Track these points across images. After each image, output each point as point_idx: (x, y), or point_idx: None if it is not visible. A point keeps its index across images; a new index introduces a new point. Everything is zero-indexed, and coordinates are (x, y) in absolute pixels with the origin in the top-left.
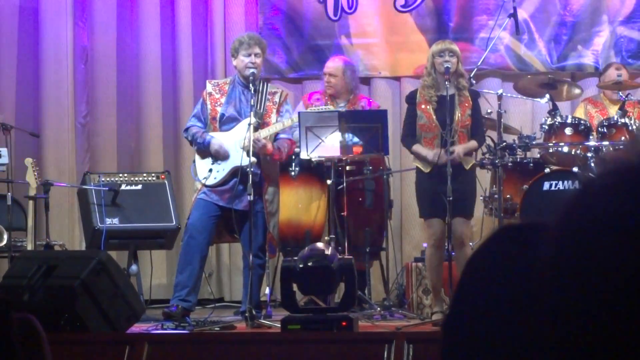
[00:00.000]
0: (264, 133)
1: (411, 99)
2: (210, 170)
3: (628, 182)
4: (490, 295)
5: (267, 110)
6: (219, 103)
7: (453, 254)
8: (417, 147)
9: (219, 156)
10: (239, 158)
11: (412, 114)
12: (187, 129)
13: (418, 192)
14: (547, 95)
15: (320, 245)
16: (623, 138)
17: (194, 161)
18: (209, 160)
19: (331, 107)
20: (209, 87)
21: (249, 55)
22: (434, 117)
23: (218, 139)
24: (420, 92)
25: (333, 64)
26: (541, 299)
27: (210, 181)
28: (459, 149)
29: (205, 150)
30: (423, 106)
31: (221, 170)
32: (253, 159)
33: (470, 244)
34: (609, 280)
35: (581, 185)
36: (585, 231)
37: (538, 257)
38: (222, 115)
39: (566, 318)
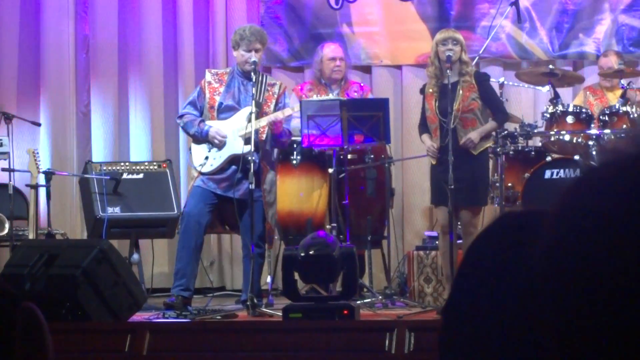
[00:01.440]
0: (263, 122)
1: (422, 91)
2: (207, 158)
3: (628, 172)
4: (490, 283)
5: (266, 100)
6: (217, 92)
7: (459, 241)
8: (424, 137)
9: (220, 144)
10: (236, 146)
11: (423, 106)
12: (181, 116)
13: (430, 179)
14: (549, 84)
15: (321, 233)
16: (624, 126)
17: (190, 148)
18: (205, 147)
19: (331, 96)
20: (209, 76)
21: (249, 51)
22: (435, 108)
23: (215, 127)
24: (428, 84)
25: (339, 49)
26: (539, 288)
27: (206, 168)
28: (473, 134)
29: (203, 139)
30: (428, 99)
31: (218, 158)
32: (251, 147)
33: None
34: (606, 269)
35: (580, 173)
36: (583, 220)
37: (536, 246)
38: (221, 104)
39: (563, 307)
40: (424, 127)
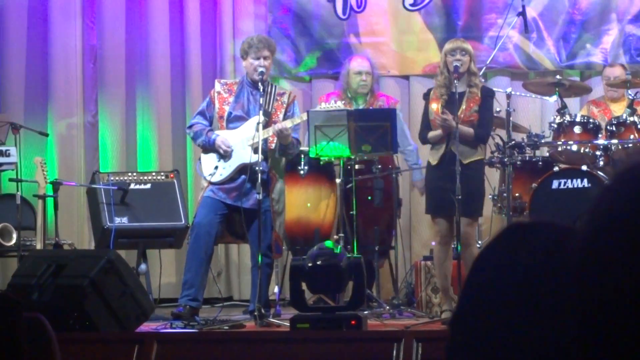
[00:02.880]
0: (271, 131)
1: (426, 96)
2: (216, 167)
3: None
4: (497, 294)
5: (275, 110)
6: (227, 102)
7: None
8: (430, 133)
9: (225, 153)
10: (246, 155)
11: (426, 111)
12: (190, 126)
13: (426, 188)
14: (556, 94)
15: (329, 244)
16: (632, 136)
17: (200, 158)
18: (214, 157)
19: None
20: (218, 86)
21: (258, 58)
22: (439, 113)
23: (223, 136)
24: (434, 90)
25: (365, 63)
26: (567, 306)
27: (216, 178)
28: (453, 121)
29: (210, 148)
30: (433, 104)
31: (227, 167)
32: (260, 157)
33: (479, 242)
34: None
35: (602, 189)
36: (611, 234)
37: (565, 263)
38: (230, 113)
39: (594, 318)
40: (425, 132)
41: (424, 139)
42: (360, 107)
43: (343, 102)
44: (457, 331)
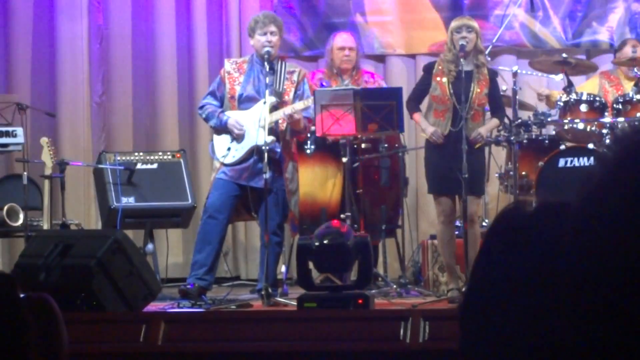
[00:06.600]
0: (280, 114)
1: (428, 69)
2: (229, 149)
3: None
4: (505, 273)
5: (285, 89)
6: (237, 82)
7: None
8: (418, 117)
9: (239, 135)
10: (257, 137)
11: (425, 83)
12: (202, 107)
13: (427, 166)
14: (562, 72)
15: (336, 223)
16: (638, 114)
17: (212, 140)
18: (227, 138)
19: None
20: (228, 65)
21: (265, 34)
22: (449, 90)
23: (234, 117)
24: (438, 64)
25: (350, 38)
26: (563, 280)
27: (229, 160)
28: (482, 130)
29: (223, 129)
30: (439, 78)
31: (240, 149)
32: (272, 137)
33: (486, 221)
34: (631, 257)
35: (597, 164)
36: (605, 209)
37: (560, 239)
38: (241, 94)
39: (588, 295)
40: (415, 102)
41: (410, 109)
42: (345, 83)
43: (329, 79)
44: (467, 312)
